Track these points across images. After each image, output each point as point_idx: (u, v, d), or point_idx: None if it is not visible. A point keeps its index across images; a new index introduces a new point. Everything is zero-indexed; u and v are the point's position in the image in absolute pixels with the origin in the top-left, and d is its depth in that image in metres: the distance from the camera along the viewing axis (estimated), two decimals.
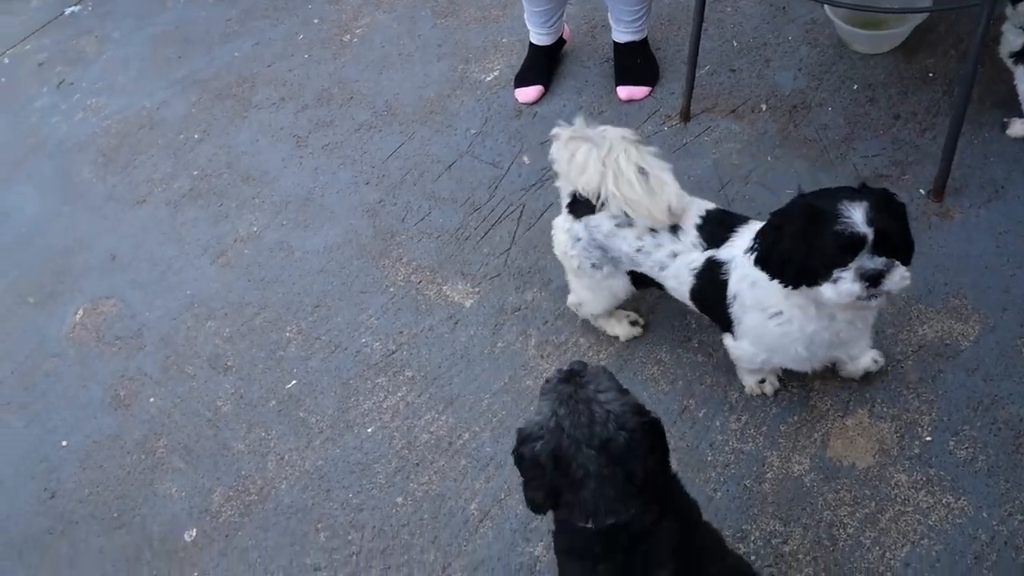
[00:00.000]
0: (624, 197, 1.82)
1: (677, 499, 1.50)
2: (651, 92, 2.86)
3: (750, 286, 1.78)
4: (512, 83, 2.97)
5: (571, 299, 2.24)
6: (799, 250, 1.58)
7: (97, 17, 3.96)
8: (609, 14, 2.82)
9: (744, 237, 1.79)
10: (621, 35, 2.83)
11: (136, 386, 2.51)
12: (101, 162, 3.22)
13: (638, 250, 1.92)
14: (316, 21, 3.53)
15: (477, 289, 2.48)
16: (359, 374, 2.37)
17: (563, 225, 2.03)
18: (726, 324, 1.91)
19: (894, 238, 1.56)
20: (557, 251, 2.08)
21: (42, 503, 2.33)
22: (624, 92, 2.86)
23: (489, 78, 3.06)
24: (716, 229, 1.87)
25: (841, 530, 1.88)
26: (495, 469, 2.11)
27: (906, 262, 1.60)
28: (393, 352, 2.39)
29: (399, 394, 2.30)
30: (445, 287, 2.50)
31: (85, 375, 2.58)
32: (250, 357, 2.48)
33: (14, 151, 3.40)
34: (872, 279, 1.55)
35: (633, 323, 2.26)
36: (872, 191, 1.59)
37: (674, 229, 1.88)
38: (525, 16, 2.85)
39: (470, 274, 2.52)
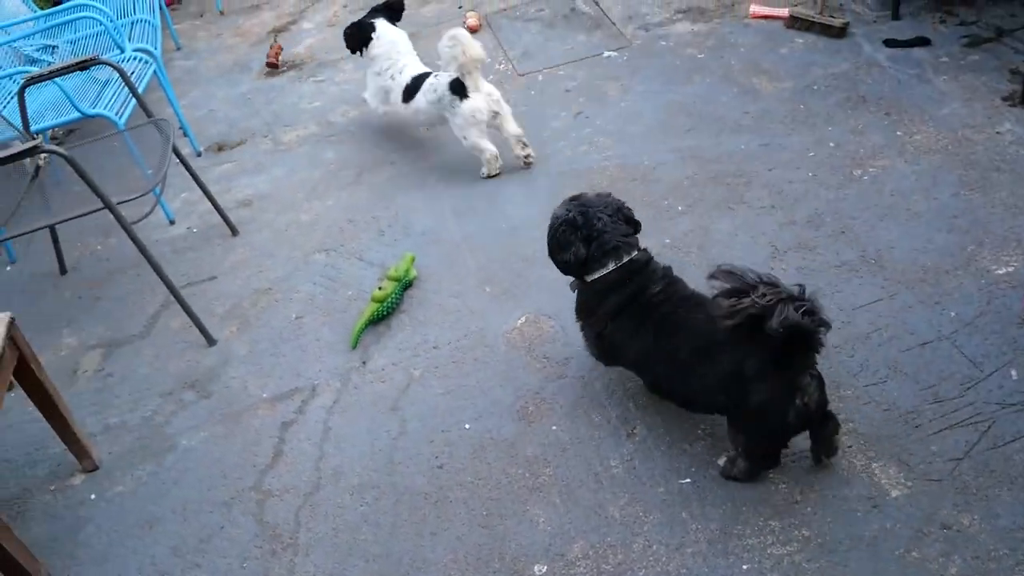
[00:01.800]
0: None
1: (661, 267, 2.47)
2: None
3: None
4: None
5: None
6: None
7: (629, 68, 4.30)
8: None
9: None
10: None
11: (545, 408, 2.64)
12: None
13: None
14: (831, 145, 3.49)
15: (910, 484, 2.24)
16: (754, 507, 2.26)
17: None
18: None
19: None
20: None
21: (430, 468, 2.53)
22: None
23: (1001, 271, 2.79)
24: None
25: None
26: None
27: None
28: (797, 501, 2.25)
29: (787, 548, 2.16)
30: (875, 464, 2.30)
31: (506, 376, 2.77)
32: (657, 435, 2.48)
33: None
34: None
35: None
36: None
37: None
38: None
39: (907, 464, 2.29)
